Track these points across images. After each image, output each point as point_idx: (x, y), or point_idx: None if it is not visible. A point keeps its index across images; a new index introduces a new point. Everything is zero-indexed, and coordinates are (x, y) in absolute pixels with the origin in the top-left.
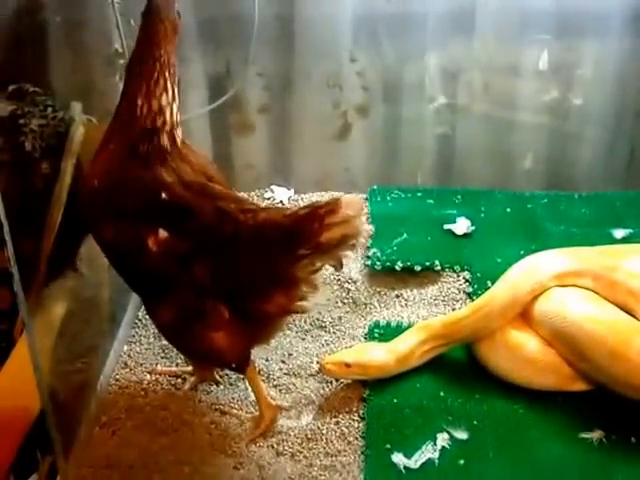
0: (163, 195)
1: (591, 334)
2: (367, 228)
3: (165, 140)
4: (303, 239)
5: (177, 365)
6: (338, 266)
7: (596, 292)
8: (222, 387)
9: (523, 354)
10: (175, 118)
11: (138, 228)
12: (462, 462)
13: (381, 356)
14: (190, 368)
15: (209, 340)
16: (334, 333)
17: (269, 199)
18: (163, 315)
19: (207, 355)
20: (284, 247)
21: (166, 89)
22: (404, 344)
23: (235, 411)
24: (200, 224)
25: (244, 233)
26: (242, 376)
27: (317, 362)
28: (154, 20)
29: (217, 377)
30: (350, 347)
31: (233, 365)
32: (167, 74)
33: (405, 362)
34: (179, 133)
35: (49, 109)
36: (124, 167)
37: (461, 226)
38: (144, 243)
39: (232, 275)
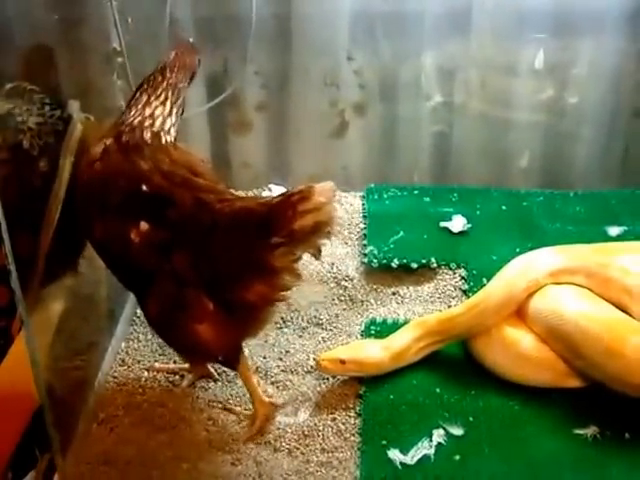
0: (143, 187)
1: (586, 332)
2: (357, 224)
3: (147, 135)
4: (277, 227)
5: (174, 362)
6: (317, 254)
7: (590, 289)
8: (220, 384)
9: (518, 351)
10: (165, 127)
11: (122, 222)
12: (458, 458)
13: (376, 353)
14: (187, 365)
15: (194, 332)
16: (331, 330)
17: None
18: (150, 308)
19: (193, 348)
20: (259, 235)
21: (164, 104)
22: (399, 341)
23: (238, 409)
24: (179, 214)
25: (221, 222)
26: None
27: (313, 359)
28: (176, 53)
29: (215, 374)
30: (346, 344)
31: (221, 358)
32: (170, 93)
33: (400, 359)
34: (168, 138)
35: (47, 107)
36: (107, 163)
37: (457, 224)
38: (128, 236)
39: (211, 264)
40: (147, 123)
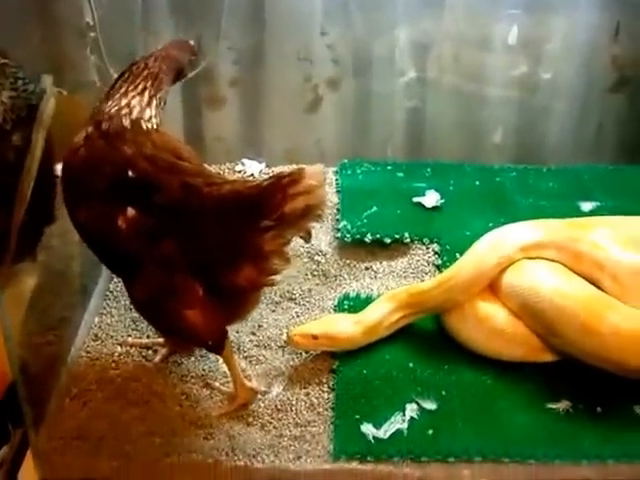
0: (129, 173)
1: (562, 310)
2: (331, 199)
3: (126, 122)
4: (267, 210)
5: (148, 337)
6: (307, 237)
7: (562, 264)
8: (193, 359)
9: (492, 326)
10: (145, 116)
11: (108, 208)
12: (431, 432)
13: (348, 327)
14: (161, 340)
15: (183, 318)
16: (304, 305)
17: (240, 172)
18: (138, 293)
19: (183, 333)
20: (248, 218)
21: (142, 94)
22: (371, 315)
23: (216, 384)
24: (166, 199)
25: (209, 205)
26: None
27: (286, 334)
28: (166, 45)
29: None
30: (318, 319)
31: (210, 343)
32: (149, 83)
33: (373, 333)
34: (149, 125)
35: (20, 81)
36: (91, 149)
37: (430, 199)
38: (114, 222)
39: (200, 249)
40: (124, 111)
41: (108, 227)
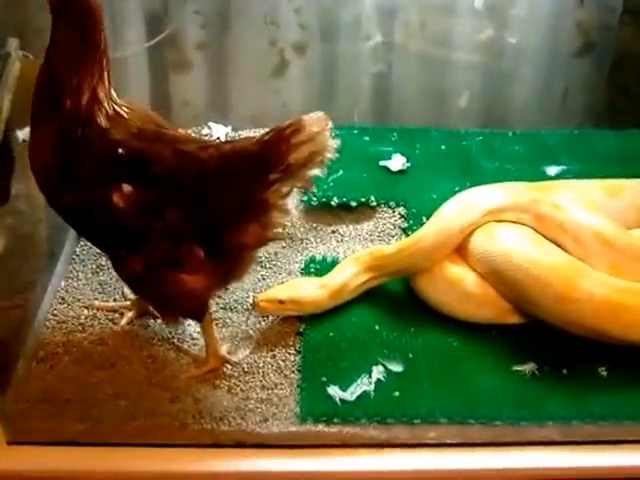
0: (120, 150)
1: (537, 279)
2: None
3: (100, 119)
4: (272, 163)
5: (115, 300)
6: (308, 187)
7: (527, 226)
8: (159, 321)
9: (463, 289)
10: (115, 101)
11: (100, 189)
12: (397, 394)
13: (314, 291)
14: (128, 303)
15: (184, 285)
16: (270, 268)
17: (206, 136)
18: (132, 267)
19: (180, 302)
20: (254, 175)
21: (102, 78)
22: (336, 278)
23: (186, 347)
24: (162, 170)
25: (211, 168)
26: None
27: (253, 297)
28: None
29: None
30: (283, 283)
31: (204, 309)
32: (105, 61)
33: (338, 296)
34: (123, 109)
35: None
36: (69, 138)
37: (397, 163)
38: (109, 201)
39: (206, 213)
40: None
41: (102, 207)
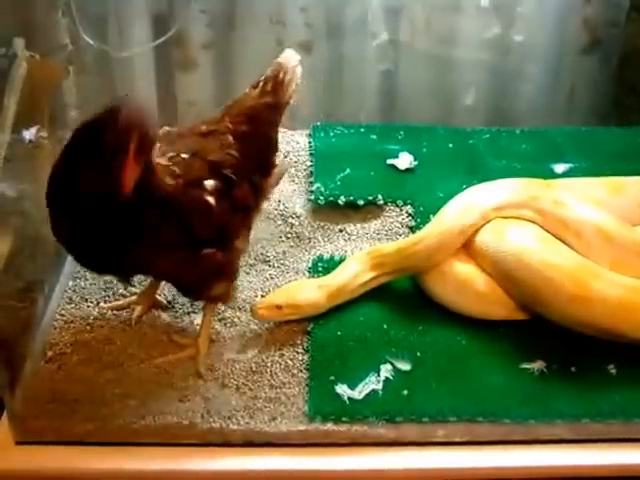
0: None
1: (550, 281)
2: (304, 162)
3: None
4: (282, 103)
5: (122, 298)
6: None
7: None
8: (168, 320)
9: (475, 289)
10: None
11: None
12: (405, 393)
13: (312, 293)
14: (135, 298)
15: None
16: (278, 267)
17: None
18: (217, 259)
19: (235, 266)
20: (275, 121)
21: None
22: (335, 278)
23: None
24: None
25: (242, 133)
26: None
27: (261, 296)
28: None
29: (163, 301)
30: (290, 282)
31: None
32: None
33: (337, 296)
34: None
35: None
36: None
37: (404, 161)
38: (208, 205)
39: (254, 168)
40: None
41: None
